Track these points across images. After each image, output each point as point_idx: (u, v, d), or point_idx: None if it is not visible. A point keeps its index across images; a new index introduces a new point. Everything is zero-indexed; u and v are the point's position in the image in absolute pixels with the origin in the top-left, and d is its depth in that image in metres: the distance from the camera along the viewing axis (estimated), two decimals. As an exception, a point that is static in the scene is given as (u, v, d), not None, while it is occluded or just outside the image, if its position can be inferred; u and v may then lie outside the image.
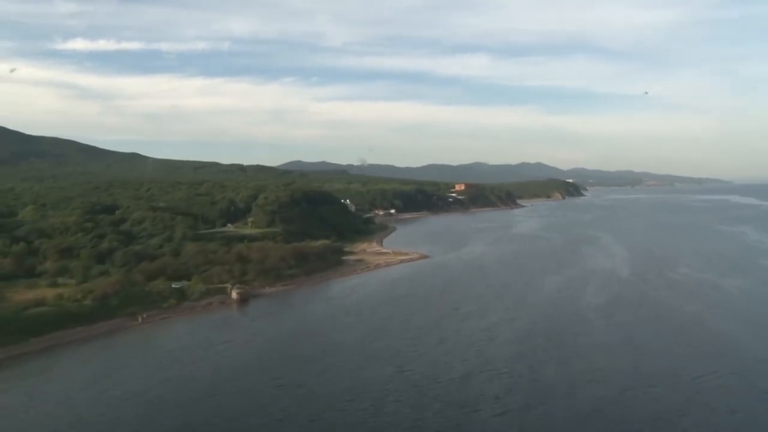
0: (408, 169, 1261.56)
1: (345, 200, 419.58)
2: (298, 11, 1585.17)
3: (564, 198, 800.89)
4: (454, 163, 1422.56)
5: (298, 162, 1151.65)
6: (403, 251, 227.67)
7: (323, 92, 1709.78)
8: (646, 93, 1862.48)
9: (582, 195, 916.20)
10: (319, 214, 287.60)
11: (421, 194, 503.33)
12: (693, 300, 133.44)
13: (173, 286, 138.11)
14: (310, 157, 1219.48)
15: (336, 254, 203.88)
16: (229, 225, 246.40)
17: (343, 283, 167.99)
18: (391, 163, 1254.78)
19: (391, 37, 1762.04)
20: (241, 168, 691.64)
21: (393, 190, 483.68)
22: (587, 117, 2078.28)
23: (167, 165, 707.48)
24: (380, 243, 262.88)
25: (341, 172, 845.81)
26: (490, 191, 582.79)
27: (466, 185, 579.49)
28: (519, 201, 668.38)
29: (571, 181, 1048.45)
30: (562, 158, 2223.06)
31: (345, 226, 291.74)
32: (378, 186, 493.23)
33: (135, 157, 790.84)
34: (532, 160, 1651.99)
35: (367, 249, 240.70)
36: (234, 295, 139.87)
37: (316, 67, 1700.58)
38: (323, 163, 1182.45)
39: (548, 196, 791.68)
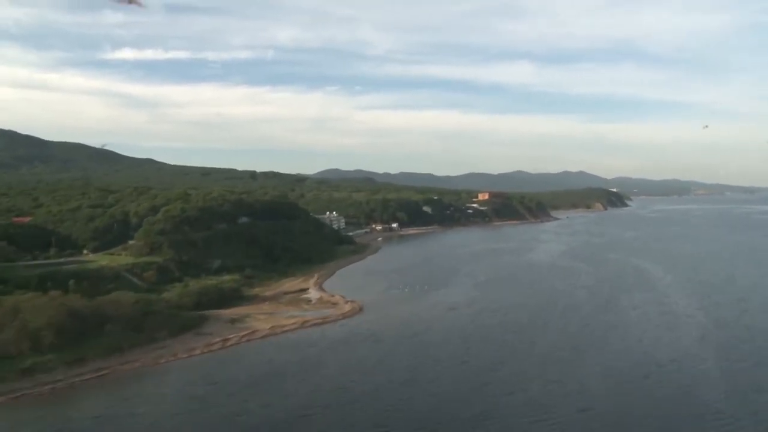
0: (447, 178, 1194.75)
1: (329, 213, 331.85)
2: (342, 19, 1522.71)
3: (606, 208, 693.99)
4: (494, 172, 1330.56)
5: (335, 170, 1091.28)
6: (335, 298, 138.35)
7: (366, 101, 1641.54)
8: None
9: (626, 205, 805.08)
10: (266, 231, 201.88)
11: (433, 205, 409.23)
12: None
13: None
14: (348, 165, 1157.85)
15: (208, 306, 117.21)
16: (87, 252, 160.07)
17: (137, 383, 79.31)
18: (429, 172, 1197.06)
19: (436, 44, 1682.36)
20: (252, 175, 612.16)
21: (398, 200, 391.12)
22: (634, 125, 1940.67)
23: (177, 171, 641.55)
24: (323, 278, 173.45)
25: (367, 180, 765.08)
26: (519, 201, 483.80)
27: (490, 194, 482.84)
28: (554, 212, 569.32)
29: (614, 190, 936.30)
30: (605, 167, 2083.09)
31: (301, 249, 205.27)
32: (377, 195, 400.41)
33: (147, 162, 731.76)
34: (575, 169, 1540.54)
35: (286, 290, 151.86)
36: None
37: (359, 75, 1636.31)
38: (359, 171, 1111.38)
39: (588, 207, 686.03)
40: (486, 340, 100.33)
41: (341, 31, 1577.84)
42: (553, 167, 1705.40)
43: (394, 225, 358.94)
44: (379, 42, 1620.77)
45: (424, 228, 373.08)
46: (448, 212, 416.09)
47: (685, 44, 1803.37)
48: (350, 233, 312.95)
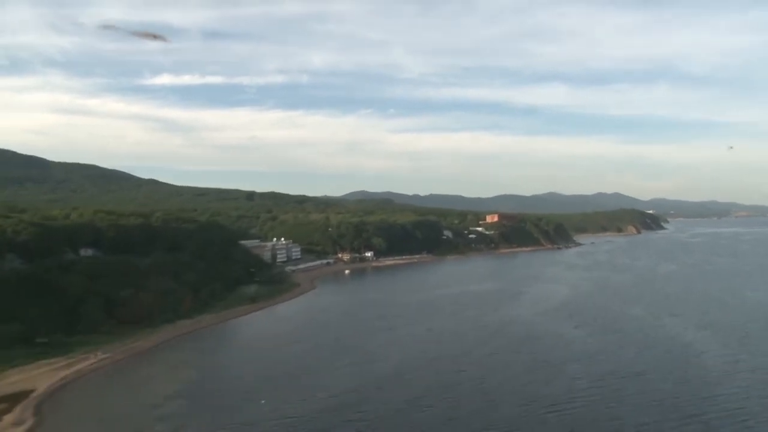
0: (477, 200, 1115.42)
1: (276, 240, 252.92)
2: (374, 43, 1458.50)
3: (639, 232, 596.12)
4: (527, 194, 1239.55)
5: (363, 192, 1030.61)
6: None
7: (399, 124, 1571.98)
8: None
9: (662, 228, 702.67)
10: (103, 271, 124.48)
11: (426, 229, 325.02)
12: None
13: None
14: (377, 187, 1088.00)
15: None
16: None
17: None
18: (459, 194, 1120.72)
19: (468, 67, 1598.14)
20: (249, 195, 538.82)
21: (378, 222, 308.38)
22: (670, 145, 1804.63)
23: (172, 191, 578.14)
24: (89, 368, 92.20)
25: (386, 201, 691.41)
26: (533, 225, 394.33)
27: (500, 216, 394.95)
28: (580, 236, 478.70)
29: (650, 212, 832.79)
30: (641, 188, 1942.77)
31: (146, 300, 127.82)
32: (355, 218, 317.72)
33: (150, 183, 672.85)
34: (610, 191, 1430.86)
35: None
36: None
37: (392, 98, 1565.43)
38: (388, 192, 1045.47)
39: (619, 230, 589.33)
40: None
41: (374, 55, 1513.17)
42: (588, 189, 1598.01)
43: (368, 254, 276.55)
44: (411, 65, 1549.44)
45: (409, 257, 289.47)
46: (444, 238, 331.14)
47: (722, 64, 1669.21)
48: (294, 267, 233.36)
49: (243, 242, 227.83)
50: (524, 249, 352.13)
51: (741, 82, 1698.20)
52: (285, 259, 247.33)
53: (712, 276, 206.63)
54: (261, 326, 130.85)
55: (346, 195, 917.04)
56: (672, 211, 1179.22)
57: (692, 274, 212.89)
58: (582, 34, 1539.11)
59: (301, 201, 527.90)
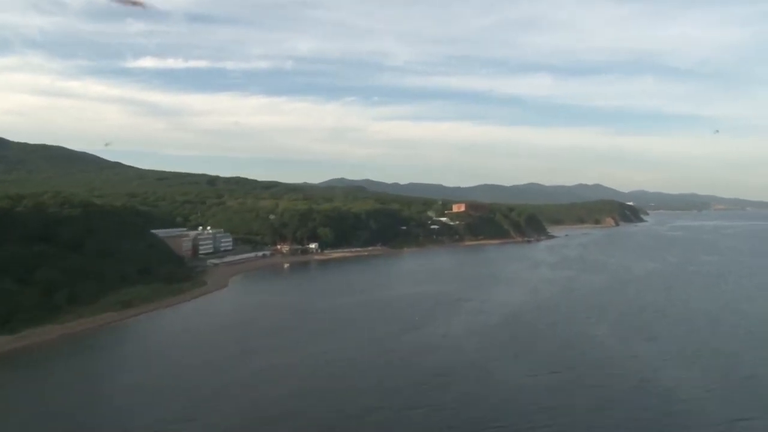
0: (457, 189, 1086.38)
1: (201, 229, 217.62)
2: (362, 30, 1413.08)
3: (617, 224, 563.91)
4: (508, 184, 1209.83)
5: (342, 179, 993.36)
6: None
7: (383, 112, 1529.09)
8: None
9: (641, 220, 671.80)
10: None
11: (382, 219, 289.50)
12: None
13: None
14: (358, 175, 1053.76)
15: None
16: None
17: None
18: (440, 183, 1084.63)
19: (455, 56, 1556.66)
20: (211, 180, 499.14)
21: (329, 211, 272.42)
22: (652, 138, 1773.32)
23: (134, 175, 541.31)
24: None
25: (359, 189, 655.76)
26: (503, 215, 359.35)
27: (467, 206, 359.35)
28: (556, 227, 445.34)
29: (630, 203, 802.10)
30: (622, 180, 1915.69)
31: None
32: (300, 206, 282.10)
33: (116, 166, 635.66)
34: (591, 182, 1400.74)
35: None
36: None
37: (377, 86, 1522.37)
38: (366, 181, 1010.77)
39: (597, 222, 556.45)
40: None
41: (361, 42, 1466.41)
42: (569, 180, 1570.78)
43: (312, 246, 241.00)
44: (398, 53, 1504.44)
45: (359, 250, 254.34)
46: (404, 228, 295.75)
47: (707, 58, 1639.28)
48: (219, 260, 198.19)
49: (158, 231, 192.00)
50: (492, 242, 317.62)
51: (724, 77, 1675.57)
52: (211, 251, 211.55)
53: (697, 279, 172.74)
54: (86, 351, 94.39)
55: (326, 182, 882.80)
56: (652, 203, 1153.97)
57: (674, 276, 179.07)
58: (570, 25, 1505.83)
59: (269, 186, 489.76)
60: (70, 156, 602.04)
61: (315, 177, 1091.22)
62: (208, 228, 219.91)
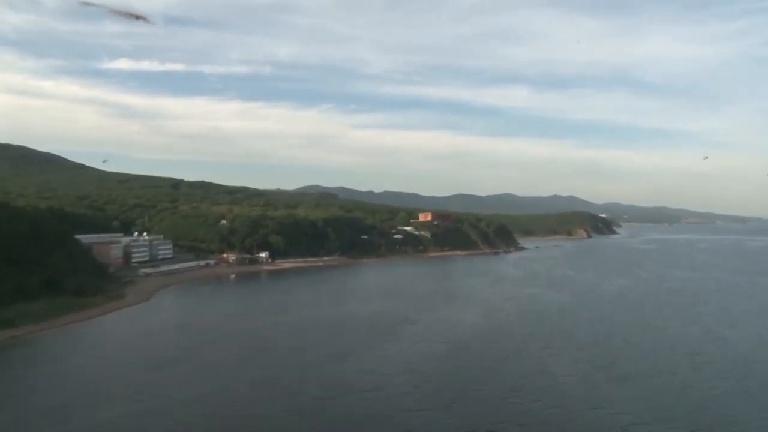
0: (432, 198, 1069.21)
1: (137, 235, 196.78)
2: (341, 37, 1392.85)
3: (590, 236, 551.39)
4: (483, 194, 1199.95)
5: (316, 186, 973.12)
6: None
7: (360, 119, 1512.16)
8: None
9: (614, 232, 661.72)
10: None
11: (341, 228, 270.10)
12: None
13: None
14: (333, 182, 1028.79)
15: None
16: None
17: None
18: (415, 191, 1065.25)
19: (433, 66, 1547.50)
20: (174, 184, 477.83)
21: (283, 218, 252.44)
22: (626, 151, 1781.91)
23: (95, 176, 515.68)
24: None
25: (330, 196, 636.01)
26: (471, 226, 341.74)
27: (434, 215, 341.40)
28: (527, 239, 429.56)
29: (603, 215, 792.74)
30: (596, 192, 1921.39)
31: None
32: (255, 212, 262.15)
33: (79, 167, 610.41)
34: (565, 193, 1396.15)
35: None
36: None
37: (355, 94, 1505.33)
38: (341, 188, 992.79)
39: (569, 233, 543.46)
40: None
41: (340, 49, 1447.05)
42: (544, 191, 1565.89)
43: (263, 254, 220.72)
44: (376, 61, 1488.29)
45: (316, 260, 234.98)
46: (364, 238, 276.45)
47: (680, 74, 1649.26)
48: (152, 270, 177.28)
49: (84, 237, 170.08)
50: (458, 253, 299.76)
51: (697, 93, 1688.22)
52: (147, 259, 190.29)
53: (673, 299, 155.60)
54: None
55: (300, 188, 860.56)
56: (625, 216, 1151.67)
57: (647, 295, 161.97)
58: (547, 38, 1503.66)
59: (234, 192, 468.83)
60: (31, 156, 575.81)
61: (289, 183, 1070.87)
62: (144, 234, 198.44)
